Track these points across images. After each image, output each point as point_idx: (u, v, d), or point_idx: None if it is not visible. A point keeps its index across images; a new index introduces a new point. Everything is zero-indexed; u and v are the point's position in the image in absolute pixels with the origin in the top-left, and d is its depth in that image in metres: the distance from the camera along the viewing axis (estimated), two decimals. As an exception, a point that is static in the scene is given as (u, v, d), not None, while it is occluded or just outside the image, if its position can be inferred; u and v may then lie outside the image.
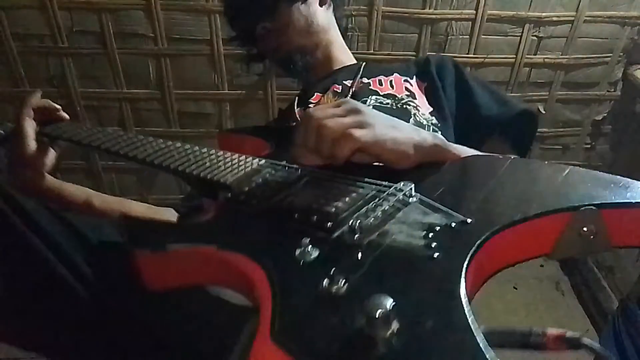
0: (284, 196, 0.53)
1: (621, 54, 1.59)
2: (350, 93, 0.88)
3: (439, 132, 0.81)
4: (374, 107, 0.83)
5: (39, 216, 0.64)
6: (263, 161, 0.63)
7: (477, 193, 0.48)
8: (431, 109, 0.86)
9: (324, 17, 1.00)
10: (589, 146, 1.79)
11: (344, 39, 1.06)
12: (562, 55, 1.58)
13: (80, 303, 0.64)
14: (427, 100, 0.88)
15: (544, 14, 1.50)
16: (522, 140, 0.86)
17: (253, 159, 0.63)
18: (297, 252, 0.41)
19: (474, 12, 1.49)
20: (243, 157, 0.64)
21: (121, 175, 1.75)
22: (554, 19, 1.51)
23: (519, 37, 1.54)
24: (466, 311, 0.33)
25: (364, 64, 0.97)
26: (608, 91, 1.67)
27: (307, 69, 1.00)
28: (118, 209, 0.89)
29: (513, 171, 0.52)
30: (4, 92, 1.52)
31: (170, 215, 0.86)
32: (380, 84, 0.90)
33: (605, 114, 1.71)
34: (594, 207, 0.42)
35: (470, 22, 1.51)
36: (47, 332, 0.68)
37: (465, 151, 0.61)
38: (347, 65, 1.00)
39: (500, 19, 1.50)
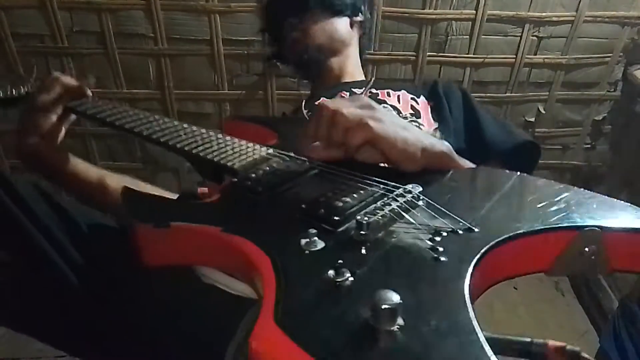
0: (291, 186, 0.54)
1: (621, 54, 1.59)
2: None
3: None
4: None
5: (31, 199, 0.65)
6: (271, 150, 0.63)
7: (484, 203, 0.49)
8: (436, 125, 0.88)
9: (348, 34, 1.03)
10: (589, 146, 1.79)
11: (362, 67, 1.09)
12: (562, 55, 1.58)
13: (70, 288, 0.65)
14: (433, 117, 0.90)
15: (544, 14, 1.49)
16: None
17: (261, 147, 0.64)
18: (303, 242, 0.42)
19: (474, 12, 1.49)
20: (251, 144, 0.65)
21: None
22: (554, 19, 1.50)
23: (519, 37, 1.53)
24: (471, 314, 0.33)
25: (373, 78, 1.01)
26: (608, 91, 1.67)
27: (319, 70, 1.02)
28: None
29: (520, 186, 0.53)
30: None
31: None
32: (389, 95, 0.93)
33: (605, 114, 1.71)
34: (597, 229, 0.43)
35: (470, 22, 1.50)
36: (37, 317, 0.69)
37: (471, 165, 0.62)
38: (357, 80, 1.02)
39: (500, 19, 1.50)
